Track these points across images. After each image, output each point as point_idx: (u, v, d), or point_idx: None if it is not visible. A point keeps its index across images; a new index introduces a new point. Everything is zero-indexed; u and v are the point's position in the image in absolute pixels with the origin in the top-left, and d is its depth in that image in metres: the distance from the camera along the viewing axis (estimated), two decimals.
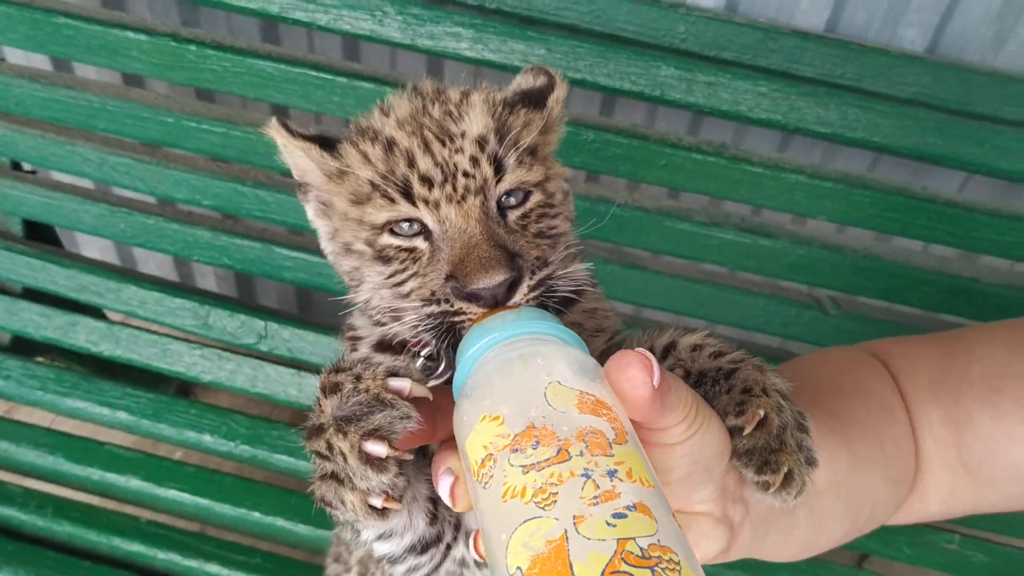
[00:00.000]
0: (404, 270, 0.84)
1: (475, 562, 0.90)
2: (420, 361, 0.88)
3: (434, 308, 0.81)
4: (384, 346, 0.95)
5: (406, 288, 0.84)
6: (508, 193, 0.85)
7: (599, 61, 1.49)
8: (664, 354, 0.85)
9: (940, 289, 1.58)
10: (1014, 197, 1.92)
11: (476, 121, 0.85)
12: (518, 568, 0.55)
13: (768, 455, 0.75)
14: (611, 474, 0.59)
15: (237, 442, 1.75)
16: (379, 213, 0.84)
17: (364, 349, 0.96)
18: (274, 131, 0.90)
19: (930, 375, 0.96)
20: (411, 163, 0.83)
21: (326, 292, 1.79)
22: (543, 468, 0.59)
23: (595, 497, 0.56)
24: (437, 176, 0.82)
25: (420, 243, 0.84)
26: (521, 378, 0.67)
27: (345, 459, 0.71)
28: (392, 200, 0.83)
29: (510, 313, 0.75)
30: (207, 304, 1.76)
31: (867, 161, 1.97)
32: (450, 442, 0.73)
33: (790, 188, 1.53)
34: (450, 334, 0.80)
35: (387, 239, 0.85)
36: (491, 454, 0.62)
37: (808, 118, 1.51)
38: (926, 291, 1.59)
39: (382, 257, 0.85)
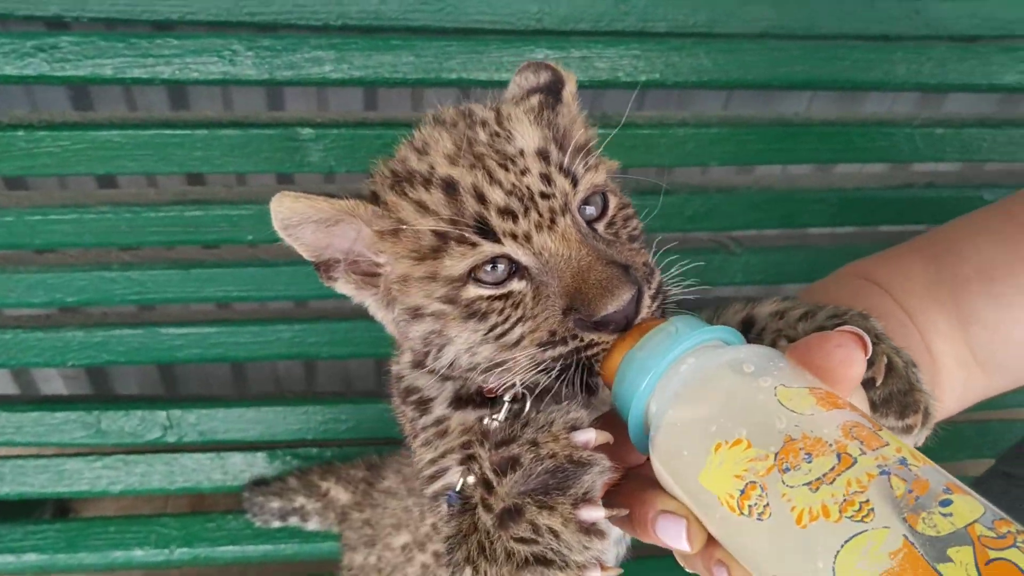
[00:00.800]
0: (506, 319, 0.76)
1: None
2: (505, 407, 0.81)
3: (561, 349, 0.74)
4: (464, 400, 0.87)
5: (514, 336, 0.76)
6: (586, 203, 0.79)
7: (472, 57, 1.44)
8: (745, 329, 0.82)
9: (830, 205, 1.65)
10: (859, 105, 2.04)
11: (529, 135, 0.78)
12: None
13: (903, 398, 0.73)
14: (903, 463, 0.53)
15: (172, 547, 1.58)
16: (459, 263, 0.75)
17: (439, 409, 0.88)
18: (290, 200, 0.77)
19: (924, 282, 0.98)
20: (481, 199, 0.75)
21: (215, 364, 1.65)
22: (834, 479, 0.53)
23: (909, 492, 0.51)
24: (516, 206, 0.75)
25: (516, 285, 0.76)
26: (739, 392, 0.60)
27: (557, 536, 0.62)
28: (473, 244, 0.74)
29: (659, 331, 0.67)
30: (95, 409, 1.58)
31: (720, 101, 2.02)
32: (642, 483, 0.67)
33: (681, 142, 1.54)
34: (583, 371, 0.73)
35: (474, 291, 0.76)
36: (753, 482, 0.55)
37: (683, 70, 1.52)
38: (818, 209, 1.66)
39: (474, 313, 0.77)
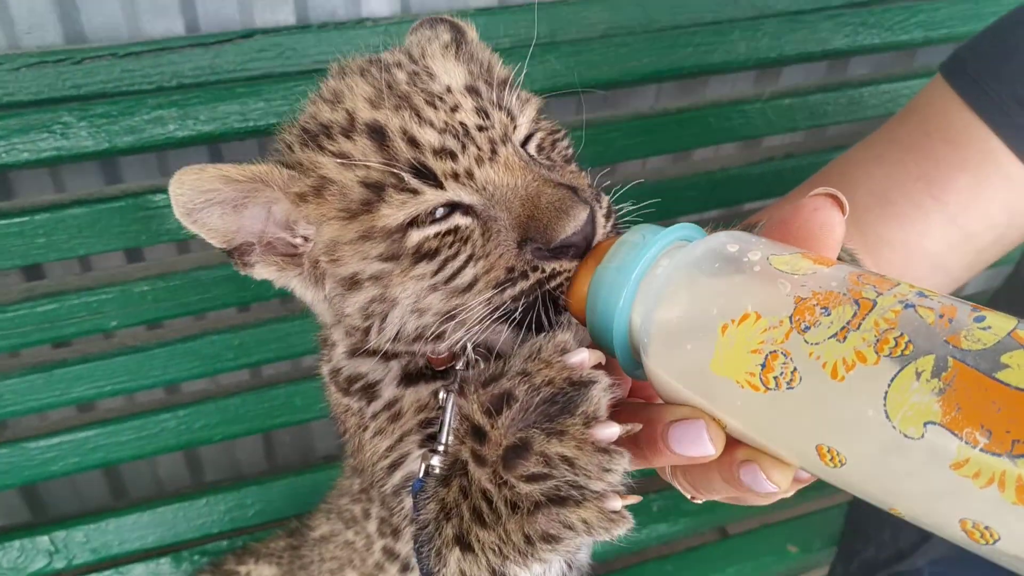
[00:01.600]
0: (456, 254, 0.70)
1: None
2: (459, 376, 0.76)
3: (522, 285, 0.68)
4: (414, 377, 0.81)
5: (466, 277, 0.70)
6: (527, 139, 0.76)
7: None
8: None
9: (700, 190, 1.68)
10: (702, 94, 2.09)
11: (452, 71, 0.74)
12: (927, 423, 0.45)
13: None
14: (922, 295, 0.51)
15: None
16: (398, 212, 0.70)
17: (388, 391, 0.81)
18: (192, 176, 0.70)
19: None
20: (413, 141, 0.69)
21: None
22: (859, 324, 0.50)
23: (940, 317, 0.48)
24: (453, 143, 0.70)
25: (461, 220, 0.71)
26: (732, 270, 0.56)
27: (572, 464, 0.56)
28: (414, 191, 0.69)
29: (622, 243, 0.62)
30: None
31: (573, 107, 2.04)
32: (640, 407, 0.61)
33: None
34: (547, 308, 0.68)
35: (417, 234, 0.70)
36: (773, 351, 0.52)
37: (537, 77, 1.52)
38: (690, 196, 1.68)
39: (423, 255, 0.70)
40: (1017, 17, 1.14)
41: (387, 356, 0.81)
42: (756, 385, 0.53)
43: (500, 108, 0.74)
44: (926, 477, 0.46)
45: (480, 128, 0.72)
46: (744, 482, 0.57)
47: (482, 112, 0.73)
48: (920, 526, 0.50)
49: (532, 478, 0.57)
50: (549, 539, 0.58)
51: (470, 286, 0.71)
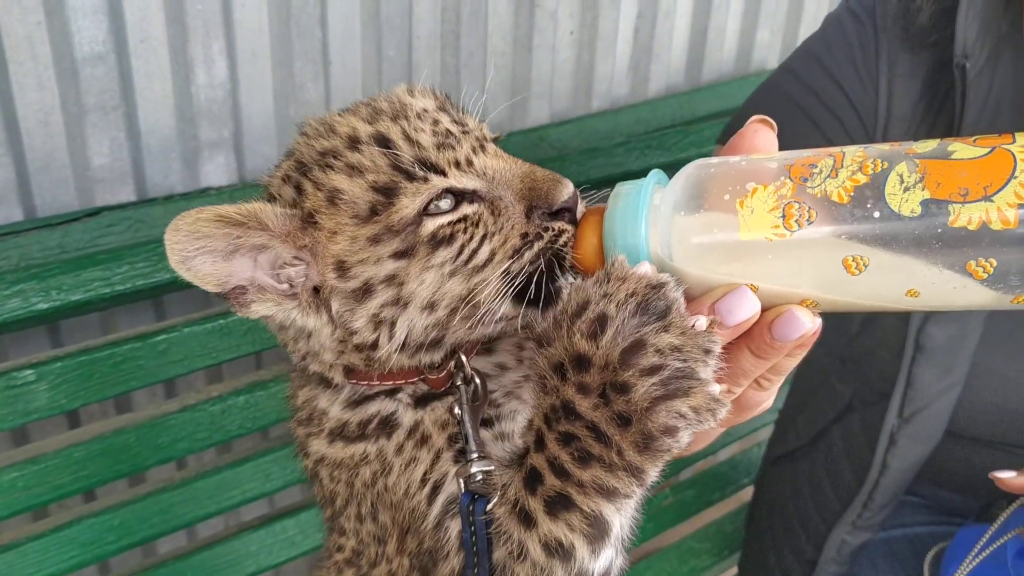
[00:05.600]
0: (471, 237, 0.79)
1: None
2: (464, 389, 0.84)
3: (538, 245, 0.78)
4: (425, 399, 0.87)
5: (483, 255, 0.79)
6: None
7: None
8: None
9: None
10: None
11: (423, 101, 0.84)
12: (922, 201, 0.61)
13: None
14: (866, 146, 0.67)
15: None
16: (414, 200, 0.78)
17: (407, 417, 0.86)
18: (187, 223, 0.75)
19: None
20: (415, 142, 0.79)
21: None
22: (842, 163, 0.65)
23: (892, 145, 0.65)
24: (448, 141, 0.80)
25: (468, 208, 0.80)
26: (726, 169, 0.69)
27: (680, 351, 0.63)
28: (424, 179, 0.78)
29: (618, 194, 0.73)
30: None
31: None
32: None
33: None
34: (561, 261, 0.78)
35: (431, 223, 0.78)
36: (789, 203, 0.65)
37: None
38: None
39: (440, 241, 0.78)
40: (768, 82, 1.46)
41: (391, 393, 0.87)
42: (782, 233, 0.65)
43: (471, 122, 0.87)
44: (930, 242, 0.61)
45: (464, 132, 0.83)
46: (778, 336, 0.67)
47: (458, 123, 0.84)
48: (933, 291, 0.63)
49: (649, 371, 0.63)
50: (668, 431, 0.64)
51: (487, 262, 0.79)
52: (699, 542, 2.01)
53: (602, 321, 0.65)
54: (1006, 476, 1.25)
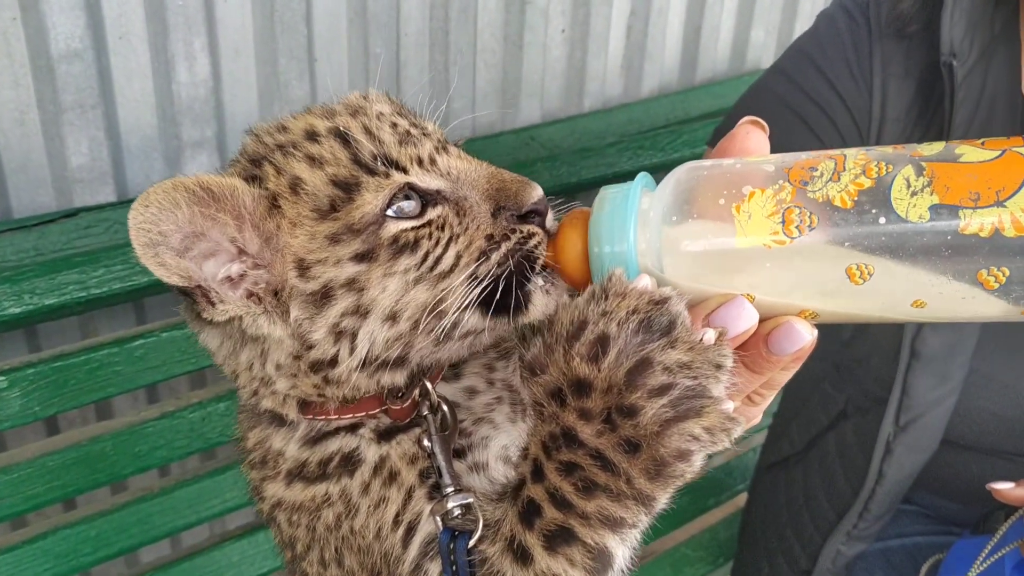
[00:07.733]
0: (437, 243, 0.74)
1: None
2: (431, 418, 0.79)
3: (505, 246, 0.73)
4: (389, 432, 0.81)
5: (449, 259, 0.74)
6: None
7: None
8: None
9: None
10: None
11: (379, 105, 0.80)
12: (931, 207, 0.57)
13: None
14: (868, 150, 0.63)
15: None
16: (376, 196, 0.73)
17: (371, 453, 0.80)
18: (159, 194, 0.68)
19: None
20: (375, 137, 0.75)
21: None
22: (844, 167, 0.61)
23: (895, 148, 0.62)
24: (409, 139, 0.76)
25: (433, 212, 0.75)
26: (720, 172, 0.65)
27: (689, 368, 0.58)
28: (386, 175, 0.73)
29: (604, 198, 0.69)
30: None
31: None
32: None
33: None
34: (532, 263, 0.73)
35: (394, 226, 0.73)
36: (788, 207, 0.61)
37: None
38: None
39: (403, 247, 0.73)
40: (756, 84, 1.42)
41: (352, 428, 0.81)
42: (781, 240, 0.61)
43: (428, 124, 0.82)
44: (939, 250, 0.57)
45: (424, 134, 0.79)
46: (775, 349, 0.63)
47: (417, 127, 0.80)
48: (941, 302, 0.59)
49: (658, 391, 0.59)
50: (681, 455, 0.59)
51: (453, 267, 0.74)
52: (693, 549, 1.97)
53: (603, 342, 0.60)
54: (1003, 488, 1.23)
